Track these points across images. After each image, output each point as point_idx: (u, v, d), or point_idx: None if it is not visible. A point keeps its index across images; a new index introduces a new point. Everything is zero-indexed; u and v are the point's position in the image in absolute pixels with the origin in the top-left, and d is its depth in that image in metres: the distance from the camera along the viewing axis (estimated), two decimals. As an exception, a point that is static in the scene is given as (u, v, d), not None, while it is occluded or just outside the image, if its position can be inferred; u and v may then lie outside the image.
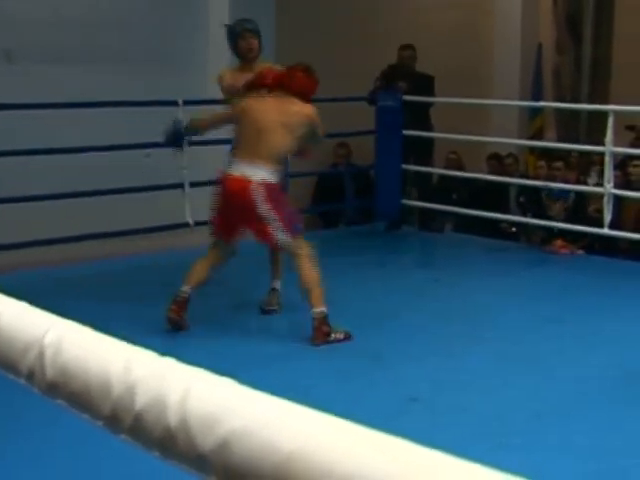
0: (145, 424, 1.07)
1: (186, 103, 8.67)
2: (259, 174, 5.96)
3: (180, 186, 8.67)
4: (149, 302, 6.84)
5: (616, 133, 8.53)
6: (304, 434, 0.94)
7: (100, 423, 1.17)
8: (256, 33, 6.83)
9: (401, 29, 11.28)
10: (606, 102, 11.62)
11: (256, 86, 6.25)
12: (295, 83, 6.20)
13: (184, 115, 8.55)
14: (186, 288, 6.17)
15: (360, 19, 11.36)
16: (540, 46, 13.22)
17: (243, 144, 6.16)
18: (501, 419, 4.81)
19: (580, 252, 8.90)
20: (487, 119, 12.41)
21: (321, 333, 6.03)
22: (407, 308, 6.94)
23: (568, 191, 9.33)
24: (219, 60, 9.50)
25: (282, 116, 6.06)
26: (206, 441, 0.99)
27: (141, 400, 1.08)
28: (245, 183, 5.96)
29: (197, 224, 8.69)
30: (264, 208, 5.96)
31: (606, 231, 8.40)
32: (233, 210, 6.09)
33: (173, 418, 1.03)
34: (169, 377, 1.09)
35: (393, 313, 6.79)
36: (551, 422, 4.78)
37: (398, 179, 9.65)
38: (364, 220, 10.11)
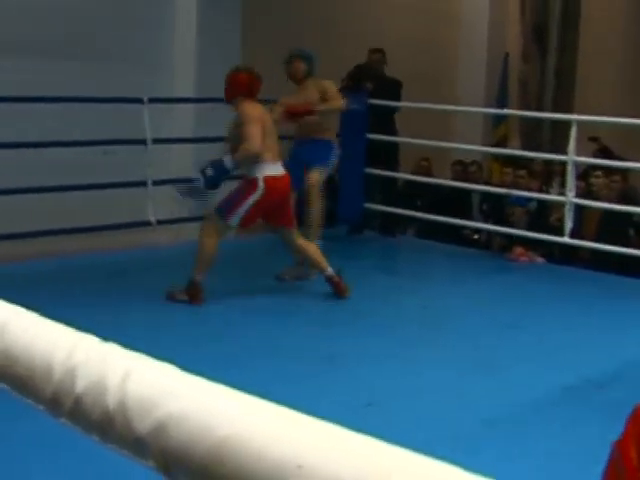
0: (84, 407, 1.08)
1: (152, 101, 8.64)
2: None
3: (143, 184, 8.62)
4: (106, 299, 6.85)
5: (579, 143, 8.59)
6: (239, 418, 0.94)
7: (42, 407, 1.17)
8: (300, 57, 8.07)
9: (369, 33, 11.31)
10: (570, 112, 11.72)
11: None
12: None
13: (150, 111, 8.56)
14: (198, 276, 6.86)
15: (328, 22, 11.37)
16: (507, 55, 13.32)
17: (269, 146, 6.91)
18: (456, 424, 4.83)
19: (540, 260, 8.96)
20: (451, 126, 12.47)
21: (343, 285, 7.19)
22: (366, 313, 6.94)
23: (530, 199, 9.39)
24: (185, 58, 9.50)
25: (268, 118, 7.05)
26: (143, 424, 0.99)
27: (81, 383, 1.09)
28: (288, 178, 7.03)
29: (159, 223, 8.67)
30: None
31: (567, 240, 8.46)
32: (276, 204, 7.01)
33: (112, 401, 1.04)
34: (110, 361, 1.09)
35: (352, 318, 6.81)
36: (505, 428, 4.81)
37: (361, 183, 9.64)
38: (327, 223, 10.09)
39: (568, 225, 8.40)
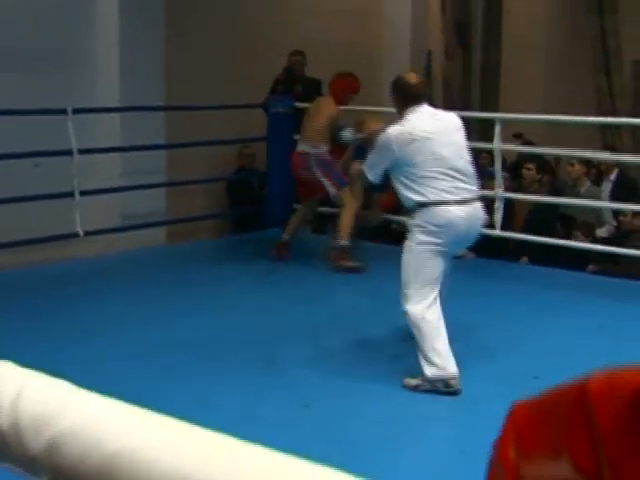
0: (-20, 429, 1.06)
1: (76, 112, 8.48)
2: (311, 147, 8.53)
3: (70, 195, 8.45)
4: (34, 316, 6.76)
5: (506, 140, 8.73)
6: (130, 432, 0.94)
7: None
8: None
9: (290, 34, 11.22)
10: (496, 106, 11.85)
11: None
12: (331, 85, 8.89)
13: (75, 121, 8.43)
14: (285, 235, 8.67)
15: (250, 26, 11.27)
16: (430, 53, 13.35)
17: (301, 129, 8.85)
18: (391, 422, 4.89)
19: (471, 256, 8.93)
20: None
21: (335, 258, 8.17)
22: (302, 314, 6.99)
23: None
24: (108, 66, 9.39)
25: (319, 110, 8.69)
26: (36, 443, 0.98)
27: (-25, 405, 1.07)
28: (300, 155, 8.59)
29: (87, 234, 8.51)
30: (316, 170, 8.43)
31: (498, 232, 8.50)
32: (300, 176, 8.72)
33: (5, 421, 1.02)
34: (3, 380, 1.08)
35: (286, 319, 6.84)
36: (440, 425, 4.89)
37: (289, 185, 9.54)
38: (255, 226, 10.08)
39: (499, 219, 8.48)
